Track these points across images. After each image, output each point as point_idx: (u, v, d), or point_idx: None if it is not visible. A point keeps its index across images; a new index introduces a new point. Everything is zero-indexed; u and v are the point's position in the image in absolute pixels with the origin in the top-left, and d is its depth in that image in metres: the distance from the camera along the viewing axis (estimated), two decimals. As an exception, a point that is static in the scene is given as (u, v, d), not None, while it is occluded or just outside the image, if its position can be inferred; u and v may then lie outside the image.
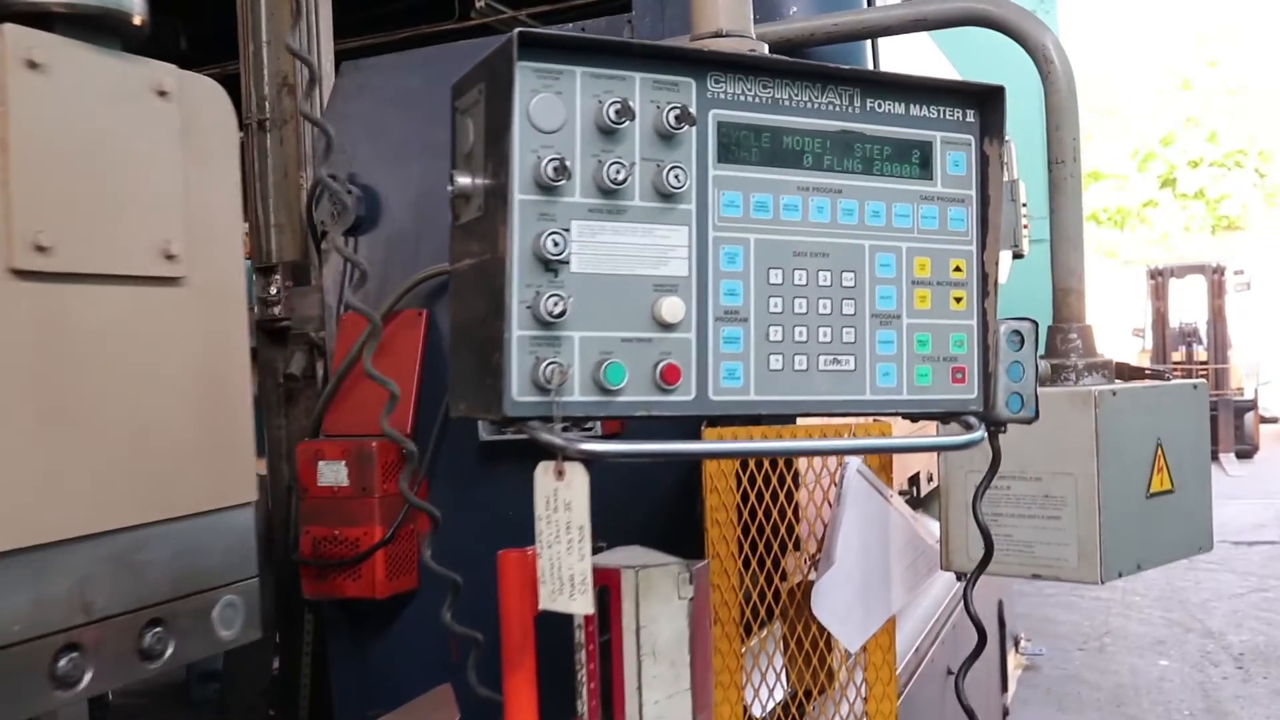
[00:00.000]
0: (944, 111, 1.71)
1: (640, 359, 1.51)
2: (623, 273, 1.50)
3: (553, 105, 1.47)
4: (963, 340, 1.72)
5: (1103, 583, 2.45)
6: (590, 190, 1.49)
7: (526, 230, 1.45)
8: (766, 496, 2.96)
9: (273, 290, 5.65)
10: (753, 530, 3.00)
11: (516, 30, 1.43)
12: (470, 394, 1.56)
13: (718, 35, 1.64)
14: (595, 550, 2.11)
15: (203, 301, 1.77)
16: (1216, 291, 22.08)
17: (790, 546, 3.02)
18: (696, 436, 2.26)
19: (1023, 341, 1.76)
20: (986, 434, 1.70)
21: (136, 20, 1.66)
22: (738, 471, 2.95)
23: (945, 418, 1.73)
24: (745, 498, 2.97)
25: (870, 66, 3.37)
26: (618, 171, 1.47)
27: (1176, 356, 22.22)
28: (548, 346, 1.46)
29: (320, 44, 6.85)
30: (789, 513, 2.99)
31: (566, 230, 1.47)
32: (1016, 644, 7.56)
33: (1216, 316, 22.08)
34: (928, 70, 4.34)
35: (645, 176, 1.51)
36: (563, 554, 1.47)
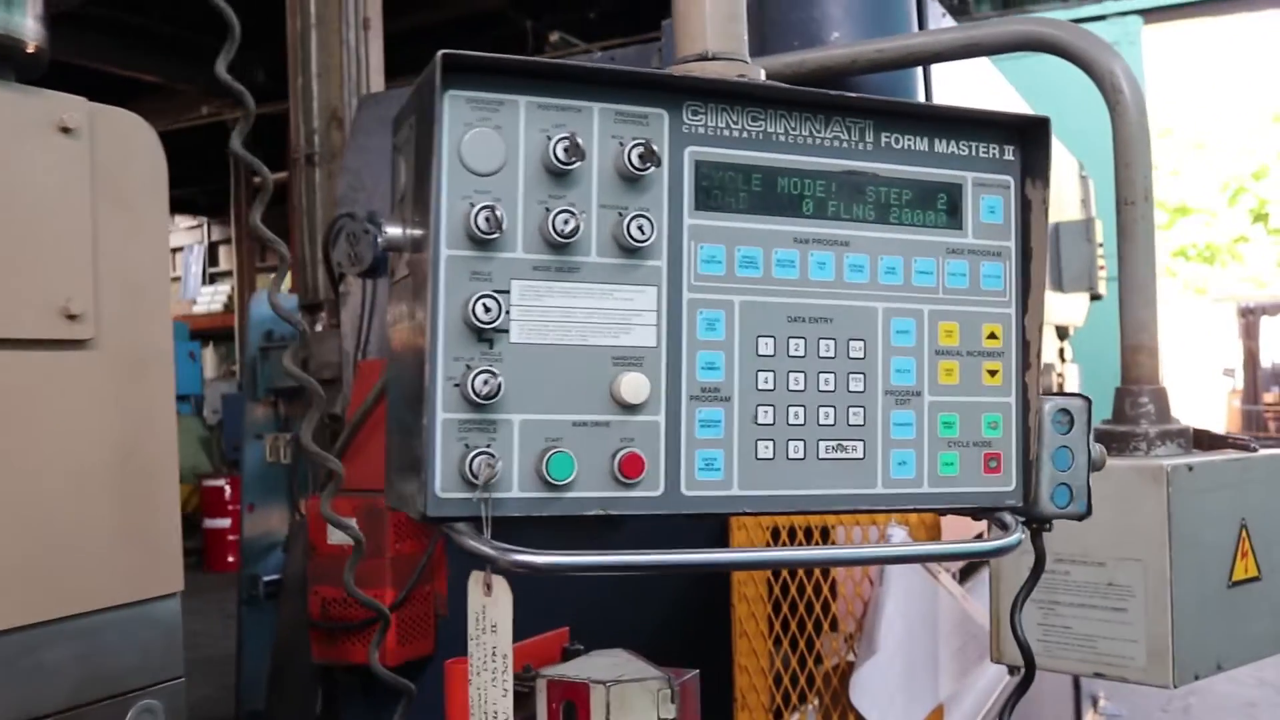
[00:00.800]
0: (977, 148, 1.44)
1: (595, 447, 1.25)
2: (574, 343, 1.24)
3: (489, 142, 1.22)
4: (998, 422, 1.43)
5: (1175, 687, 2.13)
6: (535, 244, 1.23)
7: (454, 292, 1.20)
8: (800, 570, 2.68)
9: (318, 328, 5.49)
10: (784, 607, 2.72)
11: (441, 52, 1.18)
12: (397, 483, 1.31)
13: (703, 59, 1.38)
14: (571, 654, 1.84)
15: (117, 367, 1.54)
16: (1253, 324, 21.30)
17: (826, 626, 2.73)
18: (686, 534, 1.98)
19: (1072, 423, 1.47)
20: (1027, 534, 1.41)
21: (30, 47, 1.43)
22: (768, 540, 2.67)
23: (977, 514, 1.45)
24: (776, 572, 2.68)
25: (922, 99, 3.08)
26: (567, 221, 1.22)
27: (1269, 398, 21.47)
28: (479, 432, 1.21)
29: (369, 77, 6.71)
30: (824, 589, 2.70)
31: (504, 292, 1.21)
32: (1095, 704, 7.15)
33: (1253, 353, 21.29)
34: (991, 105, 4.04)
35: (603, 227, 1.26)
36: (487, 685, 1.21)
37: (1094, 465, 1.49)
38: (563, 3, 12.64)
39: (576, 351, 1.24)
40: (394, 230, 1.29)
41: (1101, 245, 5.47)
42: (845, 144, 1.37)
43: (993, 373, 1.43)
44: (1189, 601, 2.15)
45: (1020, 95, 4.44)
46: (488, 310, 1.19)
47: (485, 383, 1.18)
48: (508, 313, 1.21)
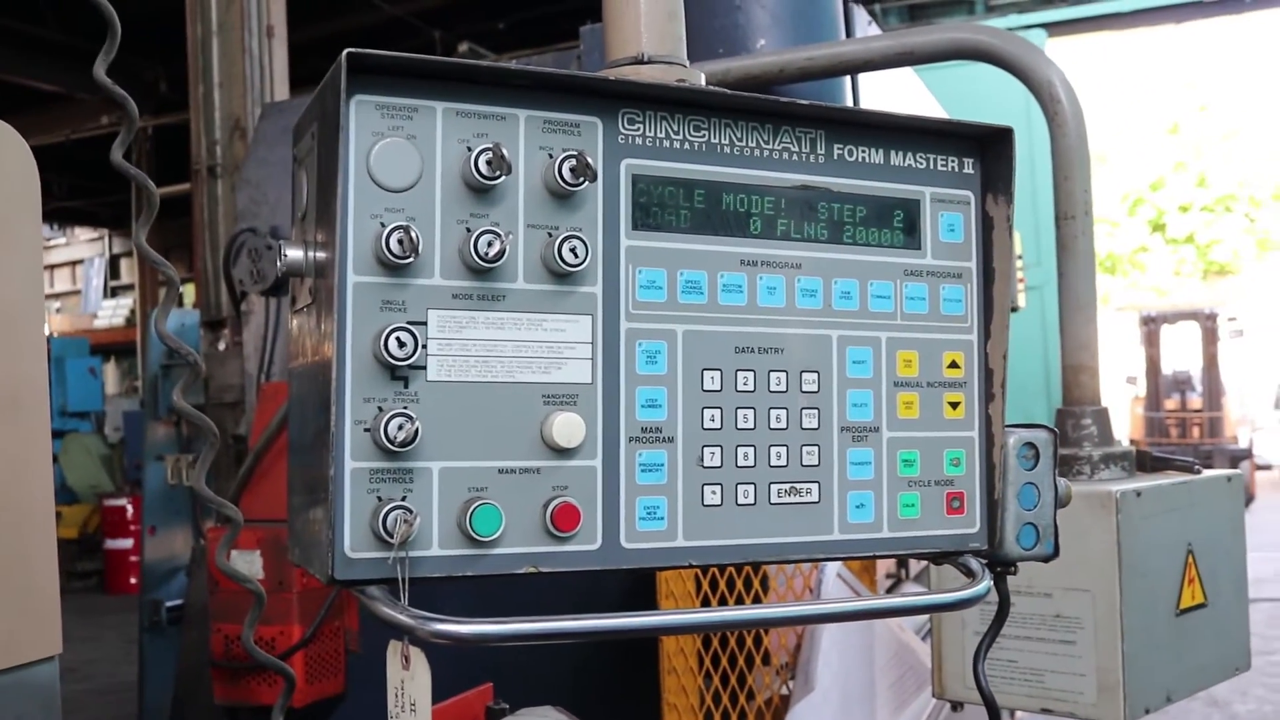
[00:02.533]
0: (935, 160, 1.32)
1: (524, 497, 1.11)
2: (500, 380, 1.11)
3: (402, 154, 1.07)
4: (960, 458, 1.32)
5: (1127, 722, 2.04)
6: (454, 269, 1.09)
7: (364, 324, 1.06)
8: (730, 601, 2.55)
9: (220, 345, 5.27)
10: (714, 641, 2.59)
11: (347, 51, 1.03)
12: (300, 539, 1.17)
13: (638, 62, 1.25)
14: (496, 715, 1.69)
15: (-21, 406, 1.36)
16: (1210, 338, 21.76)
17: (758, 659, 2.61)
18: (615, 587, 1.86)
19: (1037, 457, 1.36)
20: (991, 581, 1.30)
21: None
22: (697, 575, 2.55)
23: (938, 558, 1.33)
24: (706, 603, 2.56)
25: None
26: (490, 243, 1.08)
27: (1170, 404, 21.90)
28: (393, 483, 1.06)
29: (274, 86, 6.49)
30: (748, 640, 2.58)
31: (420, 324, 1.07)
32: None
33: (1210, 363, 21.75)
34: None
35: (531, 249, 1.12)
36: (408, 775, 1.06)
37: (1060, 502, 1.38)
38: (472, 13, 12.47)
39: (503, 390, 1.11)
40: (295, 253, 1.14)
41: (1020, 256, 5.43)
42: (795, 156, 1.25)
43: (954, 405, 1.32)
44: (1139, 632, 2.06)
45: (944, 109, 4.38)
46: (402, 345, 1.05)
47: (400, 427, 1.04)
48: (424, 347, 1.07)
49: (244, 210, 3.53)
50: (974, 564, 1.30)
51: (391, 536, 1.04)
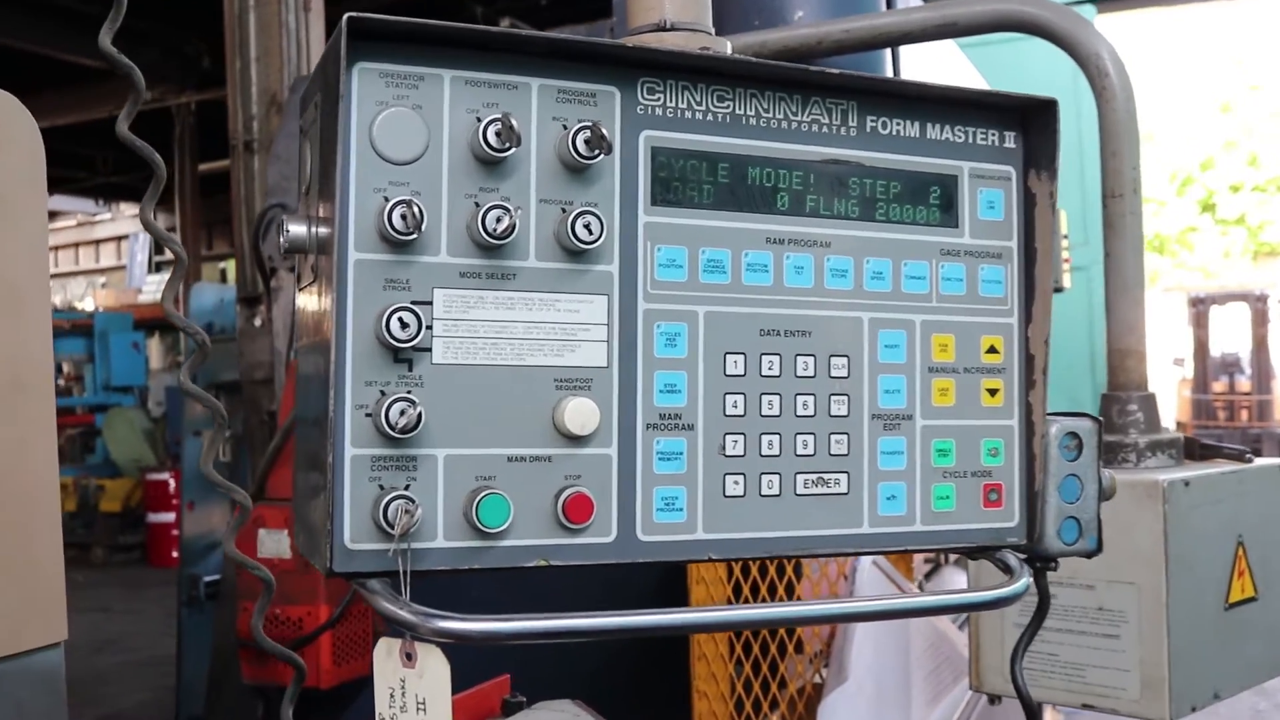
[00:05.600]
0: (974, 134, 1.25)
1: (534, 487, 1.05)
2: (509, 363, 1.05)
3: (407, 124, 1.02)
4: (998, 448, 1.25)
5: (1172, 720, 1.96)
6: (462, 246, 1.03)
7: (365, 303, 1.00)
8: (763, 589, 2.50)
9: (257, 322, 5.25)
10: (746, 630, 2.54)
11: (347, 15, 0.98)
12: (303, 527, 1.12)
13: (660, 29, 1.18)
14: (512, 708, 1.64)
15: (-19, 386, 1.32)
16: (1260, 320, 21.42)
17: (790, 647, 2.55)
18: (635, 570, 1.80)
19: (1080, 447, 1.29)
20: (1031, 577, 1.23)
21: None
22: (725, 579, 2.49)
23: (974, 553, 1.27)
24: (738, 590, 2.50)
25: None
26: (500, 219, 1.02)
27: (1218, 387, 21.58)
28: (396, 471, 1.01)
29: (311, 61, 6.45)
30: (780, 632, 2.52)
31: (425, 304, 1.02)
32: None
33: (1260, 345, 21.41)
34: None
35: (543, 225, 1.06)
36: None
37: (1104, 495, 1.31)
38: (513, -14, 12.40)
39: (512, 373, 1.05)
40: (298, 229, 1.08)
41: (1066, 236, 5.32)
42: (825, 128, 1.18)
43: (993, 392, 1.25)
44: (1185, 626, 1.98)
45: (989, 85, 4.28)
46: (405, 325, 0.99)
47: (402, 412, 0.99)
48: (429, 328, 1.02)
49: (274, 185, 3.49)
50: (1012, 560, 1.23)
51: (393, 527, 0.99)
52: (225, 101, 6.45)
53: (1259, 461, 2.24)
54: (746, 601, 2.48)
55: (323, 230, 1.04)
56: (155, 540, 14.18)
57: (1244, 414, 20.93)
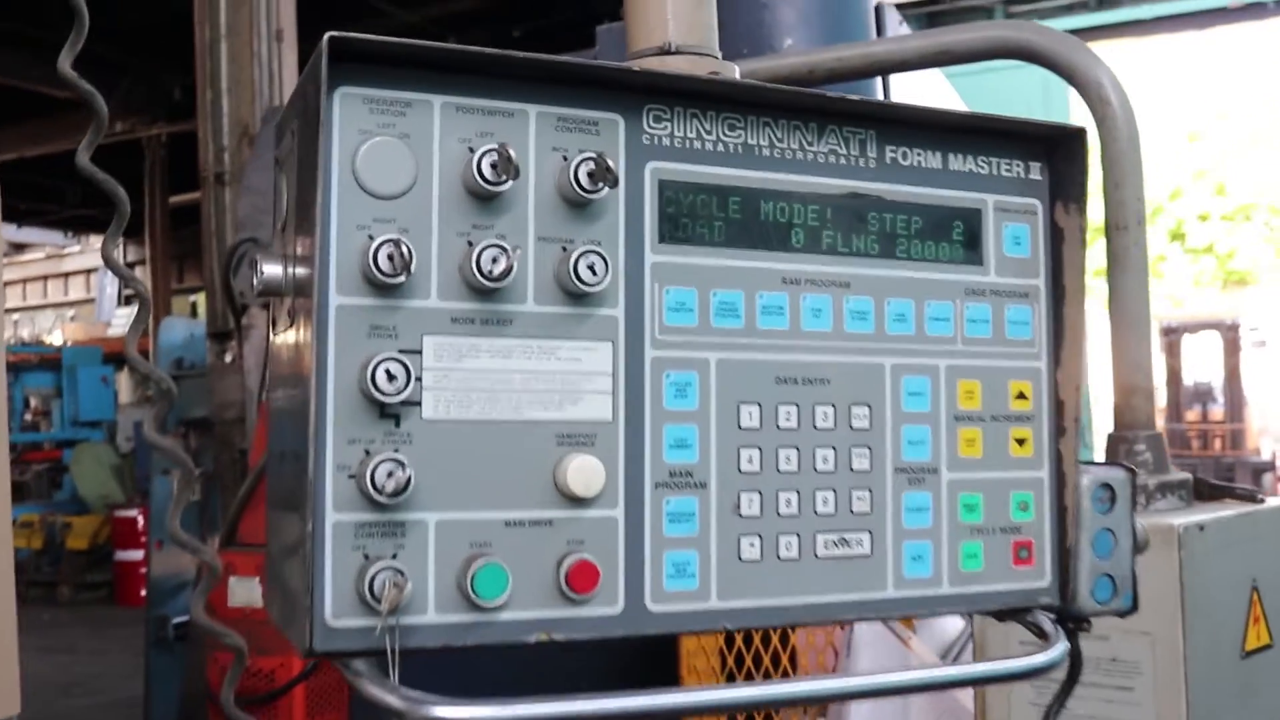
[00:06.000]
0: (998, 165, 1.17)
1: (535, 554, 0.96)
2: (507, 418, 0.96)
3: (393, 155, 0.93)
4: (1028, 502, 1.17)
5: (1192, 777, 1.87)
6: (454, 289, 0.94)
7: (348, 352, 0.91)
8: (756, 639, 2.40)
9: (227, 358, 5.14)
10: (739, 678, 2.44)
11: (328, 35, 0.89)
12: (277, 597, 1.02)
13: (664, 53, 1.10)
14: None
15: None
16: (1232, 349, 21.50)
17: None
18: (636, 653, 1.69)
19: (1113, 499, 1.21)
20: (1069, 644, 1.14)
21: None
22: (721, 644, 2.39)
23: (1004, 615, 1.18)
24: (730, 641, 2.41)
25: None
26: (496, 259, 0.93)
27: (1191, 416, 21.63)
28: (383, 538, 0.91)
29: (283, 92, 6.36)
30: (784, 659, 2.43)
31: (414, 353, 0.92)
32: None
33: (1232, 374, 21.49)
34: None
35: (543, 266, 0.97)
36: None
37: (1138, 548, 1.23)
38: (486, 19, 12.35)
39: (509, 429, 0.96)
40: (273, 269, 0.99)
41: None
42: (843, 160, 1.10)
43: (1021, 441, 1.17)
44: (1203, 678, 1.90)
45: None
46: (392, 377, 0.90)
47: (390, 474, 0.89)
48: (419, 380, 0.92)
49: (246, 218, 3.39)
50: (1046, 623, 1.15)
51: (380, 602, 0.89)
52: (197, 133, 6.35)
53: (1271, 502, 2.16)
54: (739, 653, 2.39)
55: (300, 271, 0.95)
56: (123, 579, 13.94)
57: (1217, 443, 20.98)
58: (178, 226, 18.25)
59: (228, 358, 5.05)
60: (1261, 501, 2.15)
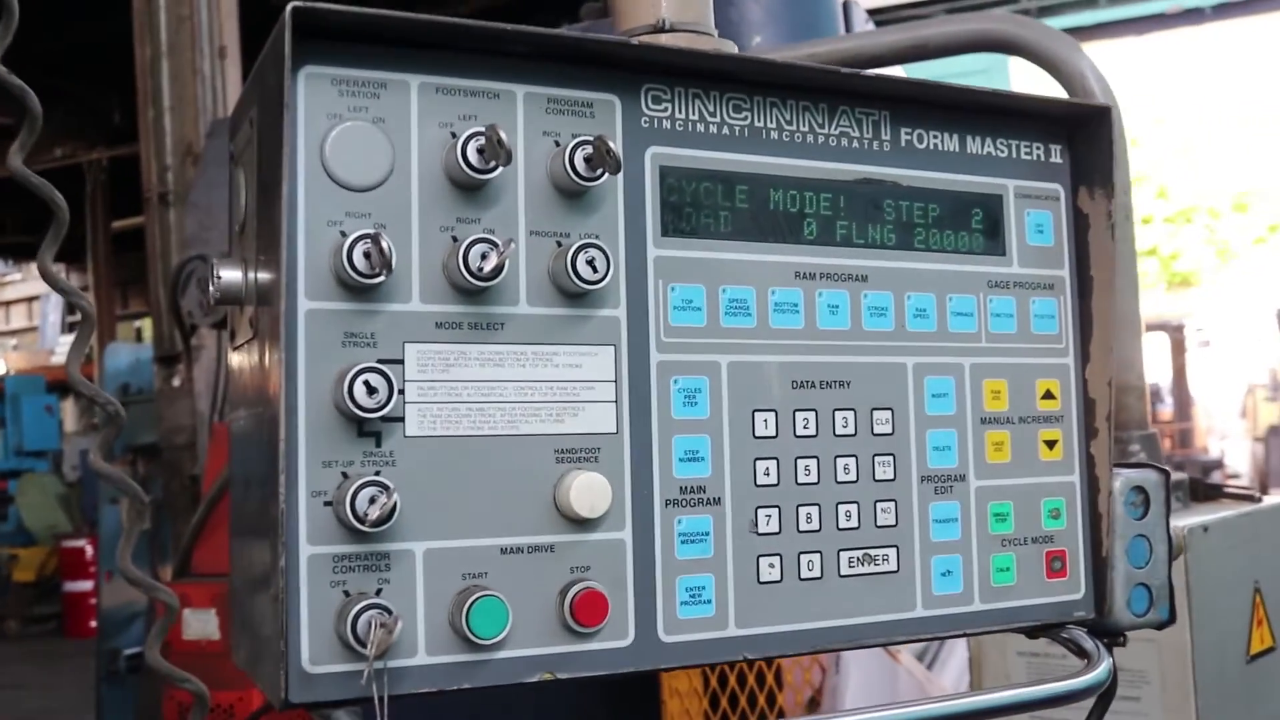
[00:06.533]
0: (1018, 147, 1.09)
1: (535, 584, 0.86)
2: (500, 433, 0.86)
3: (367, 142, 0.82)
4: (1060, 509, 1.08)
5: (1204, 790, 1.80)
6: (438, 290, 0.84)
7: (321, 364, 0.80)
8: (735, 682, 2.31)
9: (175, 382, 4.99)
10: (723, 701, 2.34)
11: (291, 6, 0.78)
12: (245, 641, 0.91)
13: (657, 30, 1.00)
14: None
15: None
16: (1178, 349, 21.73)
17: (772, 718, 2.36)
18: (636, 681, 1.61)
19: (1147, 503, 1.12)
20: (1112, 660, 1.06)
21: None
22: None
23: (1037, 632, 1.09)
24: (714, 700, 2.31)
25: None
26: (485, 255, 0.83)
27: (1164, 415, 21.82)
28: (365, 573, 0.81)
29: (227, 109, 6.22)
30: (769, 678, 2.33)
31: (396, 362, 0.82)
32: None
33: (1179, 374, 21.72)
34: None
35: (536, 263, 0.87)
36: None
37: (1174, 555, 1.15)
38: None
39: (504, 445, 0.86)
40: (231, 274, 0.89)
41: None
42: (856, 143, 1.01)
43: (1050, 443, 1.08)
44: (1212, 684, 1.82)
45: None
46: (372, 390, 0.80)
47: (372, 499, 0.79)
48: (401, 393, 0.82)
49: (193, 236, 3.26)
50: (1086, 641, 1.06)
51: (365, 645, 0.78)
52: (139, 156, 6.20)
53: (1268, 501, 2.10)
54: (721, 673, 2.29)
55: (264, 275, 0.84)
56: (72, 610, 13.64)
57: (1166, 442, 21.16)
58: (121, 252, 17.97)
59: (176, 381, 4.91)
60: (1259, 500, 2.08)
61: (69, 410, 20.64)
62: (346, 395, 0.79)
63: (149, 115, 6.23)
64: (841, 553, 0.97)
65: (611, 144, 0.84)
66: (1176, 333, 22.00)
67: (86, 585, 13.29)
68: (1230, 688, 1.89)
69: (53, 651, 12.47)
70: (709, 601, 0.92)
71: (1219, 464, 22.35)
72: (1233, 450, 25.81)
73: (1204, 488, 2.13)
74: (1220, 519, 1.90)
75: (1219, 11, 16.69)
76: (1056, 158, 1.10)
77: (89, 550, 13.34)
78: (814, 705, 2.39)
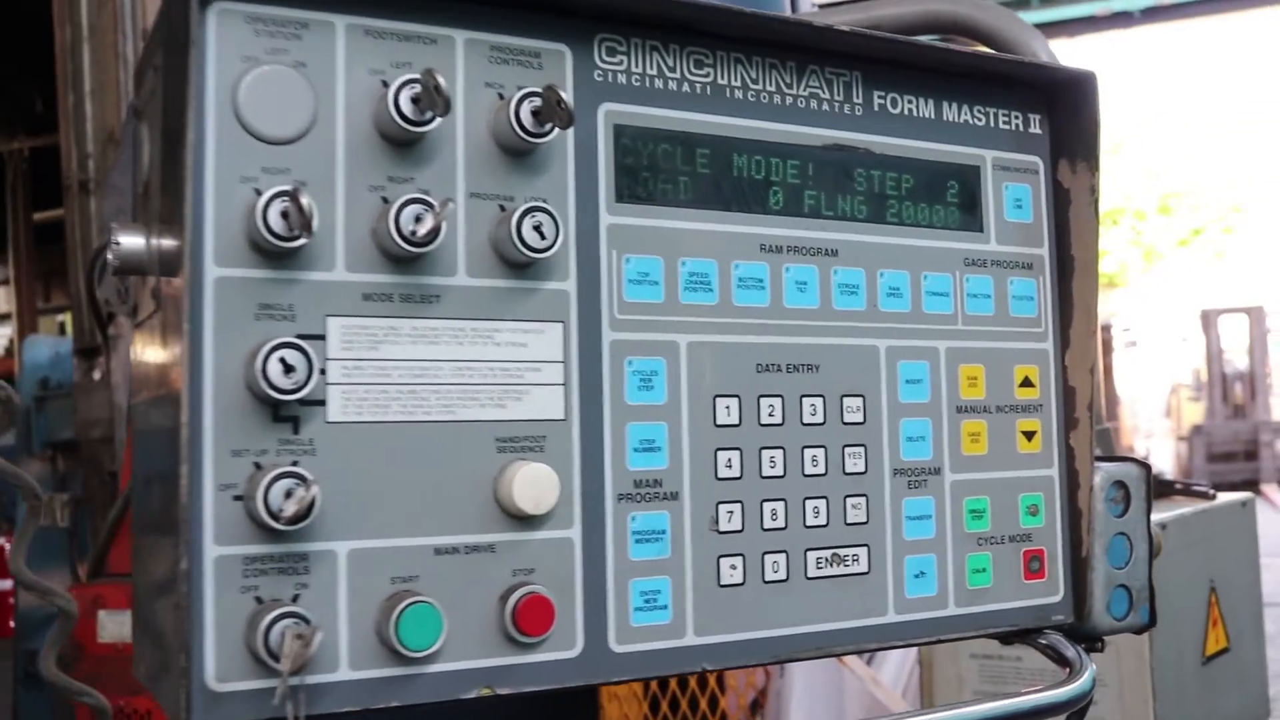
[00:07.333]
0: (995, 116, 1.01)
1: (473, 588, 0.76)
2: (434, 418, 0.76)
3: (286, 88, 0.73)
4: (1038, 505, 1.00)
5: (1162, 795, 1.75)
6: (366, 257, 0.75)
7: (231, 339, 0.71)
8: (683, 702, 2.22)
9: (95, 375, 4.81)
10: (663, 703, 2.26)
11: (198, -71, 0.68)
12: (146, 653, 0.81)
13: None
14: None
15: None
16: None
17: (715, 722, 2.28)
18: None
19: (1128, 499, 1.05)
20: (1094, 667, 0.98)
21: None
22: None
23: (1012, 637, 1.01)
24: (655, 704, 2.22)
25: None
26: (419, 218, 0.73)
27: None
28: (281, 576, 0.71)
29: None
30: (710, 679, 2.25)
31: (317, 338, 0.73)
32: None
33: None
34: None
35: (477, 228, 0.78)
36: None
37: (1155, 552, 1.08)
38: None
39: (438, 433, 0.76)
40: (132, 240, 0.79)
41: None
42: (826, 105, 0.93)
43: (1029, 435, 1.00)
44: (1169, 687, 1.77)
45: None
46: (289, 370, 0.70)
47: (289, 493, 0.69)
48: (323, 373, 0.73)
49: (111, 219, 3.11)
50: (1068, 648, 0.99)
51: (279, 658, 0.69)
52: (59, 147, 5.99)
53: (1222, 498, 2.05)
54: (665, 688, 2.21)
55: (168, 241, 0.74)
56: (-11, 610, 13.28)
57: (1093, 441, 21.43)
58: (44, 244, 17.52)
59: (96, 375, 4.74)
60: (1213, 498, 2.04)
61: (-13, 405, 20.15)
62: (260, 374, 0.69)
63: (69, 100, 6.02)
64: (809, 552, 0.89)
65: (563, 94, 0.75)
66: (1103, 333, 22.28)
67: (6, 584, 12.96)
68: (1188, 690, 1.84)
69: (-31, 652, 12.13)
70: (665, 607, 0.83)
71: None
72: (1157, 449, 26.24)
73: (1156, 484, 2.08)
74: (1177, 516, 1.86)
75: (1148, 15, 16.89)
76: (1035, 128, 1.03)
77: (6, 547, 13.01)
78: (756, 708, 2.32)
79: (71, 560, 5.29)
